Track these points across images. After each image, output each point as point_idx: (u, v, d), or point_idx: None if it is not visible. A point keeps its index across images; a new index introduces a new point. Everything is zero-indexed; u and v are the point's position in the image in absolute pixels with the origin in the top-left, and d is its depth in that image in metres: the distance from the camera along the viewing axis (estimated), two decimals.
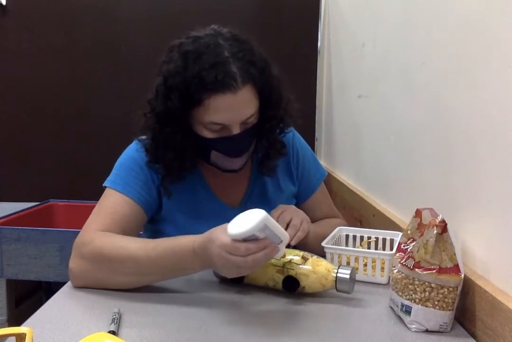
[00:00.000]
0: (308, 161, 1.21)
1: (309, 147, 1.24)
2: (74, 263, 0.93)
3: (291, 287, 0.88)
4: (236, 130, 0.95)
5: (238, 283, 0.93)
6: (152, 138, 1.01)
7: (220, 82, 0.89)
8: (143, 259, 0.87)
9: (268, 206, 1.10)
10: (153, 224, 1.10)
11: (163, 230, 1.08)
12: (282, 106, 1.03)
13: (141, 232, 1.14)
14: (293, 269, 0.89)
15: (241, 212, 0.99)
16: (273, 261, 0.90)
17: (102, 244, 0.91)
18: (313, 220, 1.17)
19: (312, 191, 1.21)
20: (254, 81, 0.94)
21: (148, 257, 0.87)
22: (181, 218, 1.07)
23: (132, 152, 1.07)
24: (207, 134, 0.96)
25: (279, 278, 0.90)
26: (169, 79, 0.93)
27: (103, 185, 1.04)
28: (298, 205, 1.21)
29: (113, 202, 1.01)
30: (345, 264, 1.00)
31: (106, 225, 0.96)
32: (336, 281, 0.86)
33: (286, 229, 0.96)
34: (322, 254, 0.98)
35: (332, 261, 0.99)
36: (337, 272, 0.87)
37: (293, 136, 1.18)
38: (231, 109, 0.93)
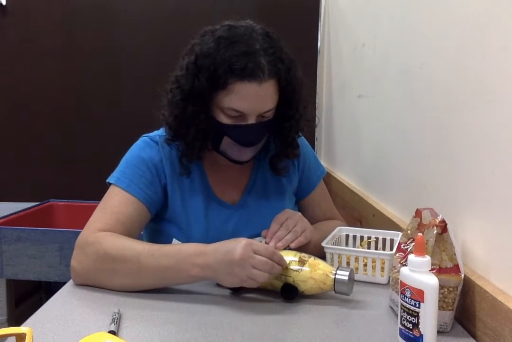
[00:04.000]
0: (309, 158, 1.22)
1: (309, 145, 1.25)
2: (76, 262, 0.94)
3: (290, 295, 0.88)
4: (252, 120, 0.97)
5: (237, 292, 0.92)
6: (176, 114, 1.01)
7: (249, 71, 0.92)
8: (146, 257, 0.89)
9: (267, 205, 1.11)
10: (155, 223, 1.10)
11: (165, 229, 1.09)
12: (300, 109, 1.04)
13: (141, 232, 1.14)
14: (290, 276, 0.88)
15: (239, 210, 1.10)
16: None
17: (108, 245, 0.91)
18: (313, 218, 1.17)
19: (312, 188, 1.22)
20: (279, 77, 0.97)
21: (152, 256, 0.89)
22: (183, 217, 1.07)
23: (139, 150, 1.07)
24: (224, 119, 0.98)
25: (278, 284, 0.89)
26: (200, 59, 0.95)
27: (107, 180, 1.04)
28: (297, 202, 1.22)
29: (119, 201, 1.00)
30: (345, 264, 1.00)
31: (111, 224, 0.97)
32: (334, 283, 0.86)
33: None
34: (321, 255, 0.98)
35: (332, 261, 0.99)
36: (335, 274, 0.86)
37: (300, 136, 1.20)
38: (253, 99, 0.95)
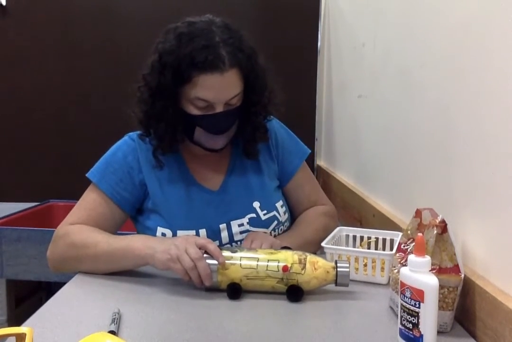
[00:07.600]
0: (288, 141, 1.22)
1: (288, 129, 1.25)
2: (50, 253, 1.07)
3: (297, 297, 0.88)
4: (219, 108, 1.01)
5: (235, 297, 0.91)
6: (145, 111, 1.06)
7: (210, 63, 0.96)
8: (102, 243, 0.98)
9: (248, 188, 1.14)
10: (142, 216, 1.13)
11: (151, 220, 1.11)
12: (266, 94, 1.08)
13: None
14: (294, 279, 0.89)
15: (221, 194, 1.13)
16: (270, 273, 0.89)
17: (74, 236, 1.02)
18: (298, 202, 1.21)
19: (295, 170, 1.21)
20: (240, 66, 1.00)
21: (107, 242, 0.99)
22: (164, 205, 1.10)
23: (115, 149, 1.15)
24: (193, 110, 1.02)
25: (281, 287, 0.90)
26: (164, 57, 1.00)
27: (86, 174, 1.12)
28: (282, 187, 1.21)
29: (93, 199, 1.10)
30: None
31: (82, 219, 1.07)
32: (336, 277, 0.89)
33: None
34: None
35: (331, 261, 0.99)
36: (336, 268, 0.89)
37: (271, 120, 1.21)
38: (217, 88, 0.99)
